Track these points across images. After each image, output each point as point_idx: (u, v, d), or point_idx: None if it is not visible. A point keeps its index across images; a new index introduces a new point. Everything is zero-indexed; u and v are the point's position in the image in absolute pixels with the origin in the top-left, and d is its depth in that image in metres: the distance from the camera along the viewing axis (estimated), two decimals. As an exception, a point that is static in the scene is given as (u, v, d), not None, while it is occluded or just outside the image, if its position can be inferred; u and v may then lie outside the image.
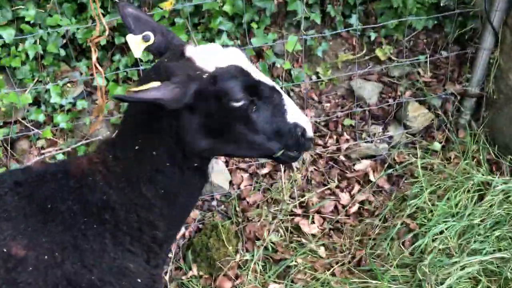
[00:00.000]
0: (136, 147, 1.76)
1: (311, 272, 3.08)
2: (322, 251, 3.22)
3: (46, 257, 1.69)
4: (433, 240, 3.10)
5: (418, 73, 3.72)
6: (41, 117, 3.66)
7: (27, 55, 3.59)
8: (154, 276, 1.92)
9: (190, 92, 1.61)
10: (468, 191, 3.25)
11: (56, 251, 1.70)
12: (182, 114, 1.67)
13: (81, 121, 3.67)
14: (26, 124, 3.69)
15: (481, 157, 3.48)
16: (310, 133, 1.84)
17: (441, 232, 3.12)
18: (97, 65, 2.86)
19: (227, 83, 1.64)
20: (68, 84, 3.77)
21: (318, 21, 3.73)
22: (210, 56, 1.71)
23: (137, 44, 1.82)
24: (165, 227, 1.87)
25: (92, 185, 1.79)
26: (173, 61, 1.74)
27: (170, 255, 3.18)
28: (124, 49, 3.83)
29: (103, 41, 3.63)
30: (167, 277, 3.24)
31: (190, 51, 1.74)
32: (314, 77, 3.76)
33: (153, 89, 1.56)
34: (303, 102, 3.70)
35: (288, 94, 3.70)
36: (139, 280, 1.84)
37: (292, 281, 3.09)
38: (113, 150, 1.83)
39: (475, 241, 3.08)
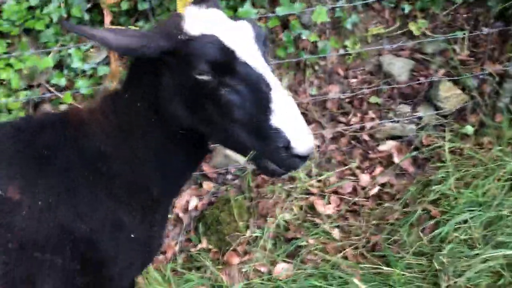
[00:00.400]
0: (127, 98, 1.73)
1: (322, 254, 2.96)
2: (336, 233, 3.09)
3: (40, 202, 1.67)
4: (455, 230, 2.90)
5: (454, 50, 3.45)
6: (63, 81, 3.66)
7: (51, 18, 3.58)
8: (150, 233, 1.87)
9: (153, 46, 1.50)
10: (499, 179, 3.00)
11: (50, 197, 1.68)
12: (162, 71, 1.59)
13: (102, 87, 3.64)
14: (48, 87, 3.70)
15: (517, 144, 3.22)
16: (300, 149, 1.46)
17: (465, 222, 2.91)
18: (111, 29, 2.80)
19: (195, 51, 1.49)
20: (92, 50, 3.74)
21: (350, -9, 3.52)
22: (202, 21, 1.56)
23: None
24: (161, 186, 1.81)
25: (89, 133, 1.76)
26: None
27: (170, 215, 3.14)
28: (148, 15, 3.76)
29: (124, 6, 3.56)
30: (177, 248, 3.21)
31: (189, 10, 1.62)
32: (341, 51, 3.56)
33: (109, 30, 1.52)
34: (328, 76, 3.52)
35: (313, 68, 3.53)
36: (132, 235, 1.78)
37: (302, 261, 2.98)
38: (113, 100, 1.79)
39: (502, 233, 2.86)
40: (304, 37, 3.51)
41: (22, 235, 1.65)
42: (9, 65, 3.61)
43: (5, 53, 3.56)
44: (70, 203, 1.70)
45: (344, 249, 3.00)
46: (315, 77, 3.53)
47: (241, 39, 1.53)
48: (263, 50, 1.59)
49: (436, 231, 2.91)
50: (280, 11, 3.50)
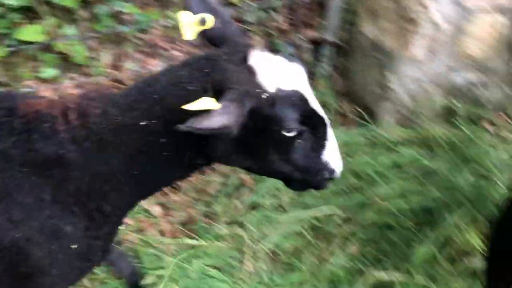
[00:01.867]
0: (143, 122, 1.50)
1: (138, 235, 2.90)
2: (156, 210, 3.05)
3: None
4: (264, 196, 2.98)
5: (272, 18, 3.46)
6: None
7: None
8: (91, 246, 1.65)
9: (245, 112, 1.42)
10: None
11: None
12: None
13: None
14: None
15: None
16: (338, 175, 1.67)
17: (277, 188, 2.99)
18: None
19: (285, 110, 1.45)
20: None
21: None
22: (273, 73, 1.47)
23: (190, 25, 1.55)
24: (117, 202, 1.63)
25: (48, 133, 1.49)
26: (231, 63, 1.48)
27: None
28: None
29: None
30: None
31: (255, 59, 1.49)
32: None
33: (216, 114, 1.34)
34: (150, 50, 3.42)
35: (133, 42, 3.42)
36: (72, 247, 1.59)
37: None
38: (105, 105, 1.53)
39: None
40: (120, 9, 3.36)
41: None
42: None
43: None
44: (4, 207, 1.48)
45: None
46: (137, 51, 3.43)
47: (305, 84, 1.52)
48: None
49: (248, 199, 2.97)
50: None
